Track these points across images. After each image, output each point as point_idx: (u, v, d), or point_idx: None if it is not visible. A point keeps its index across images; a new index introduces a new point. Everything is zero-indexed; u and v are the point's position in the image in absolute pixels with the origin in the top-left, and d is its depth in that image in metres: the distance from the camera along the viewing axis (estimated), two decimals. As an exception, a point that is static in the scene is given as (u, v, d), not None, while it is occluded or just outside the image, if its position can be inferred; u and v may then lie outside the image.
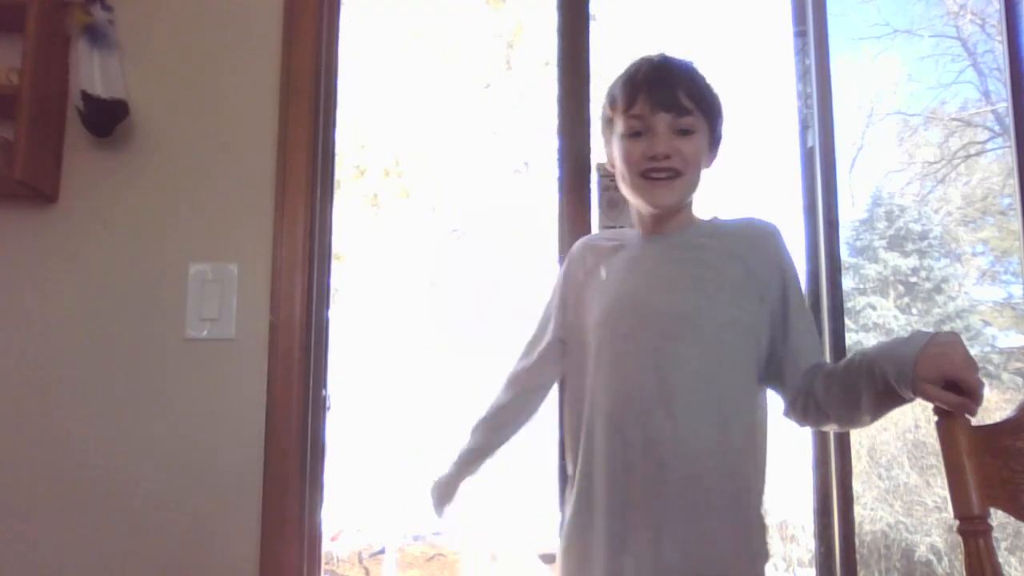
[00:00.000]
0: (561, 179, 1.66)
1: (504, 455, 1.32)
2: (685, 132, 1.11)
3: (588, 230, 1.63)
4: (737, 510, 1.07)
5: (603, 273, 1.20)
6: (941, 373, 0.90)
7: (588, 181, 1.66)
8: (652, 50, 1.21)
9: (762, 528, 1.10)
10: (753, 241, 1.15)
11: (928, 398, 0.92)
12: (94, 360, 1.49)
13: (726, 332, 1.09)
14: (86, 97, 1.46)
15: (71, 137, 1.53)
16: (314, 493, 1.51)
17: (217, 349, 1.49)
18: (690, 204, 1.19)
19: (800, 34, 1.78)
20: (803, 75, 1.75)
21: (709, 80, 1.17)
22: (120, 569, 1.43)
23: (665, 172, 1.11)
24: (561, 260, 1.62)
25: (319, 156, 1.58)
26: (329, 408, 1.58)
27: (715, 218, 1.20)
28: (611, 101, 1.18)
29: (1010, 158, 1.78)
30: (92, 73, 1.46)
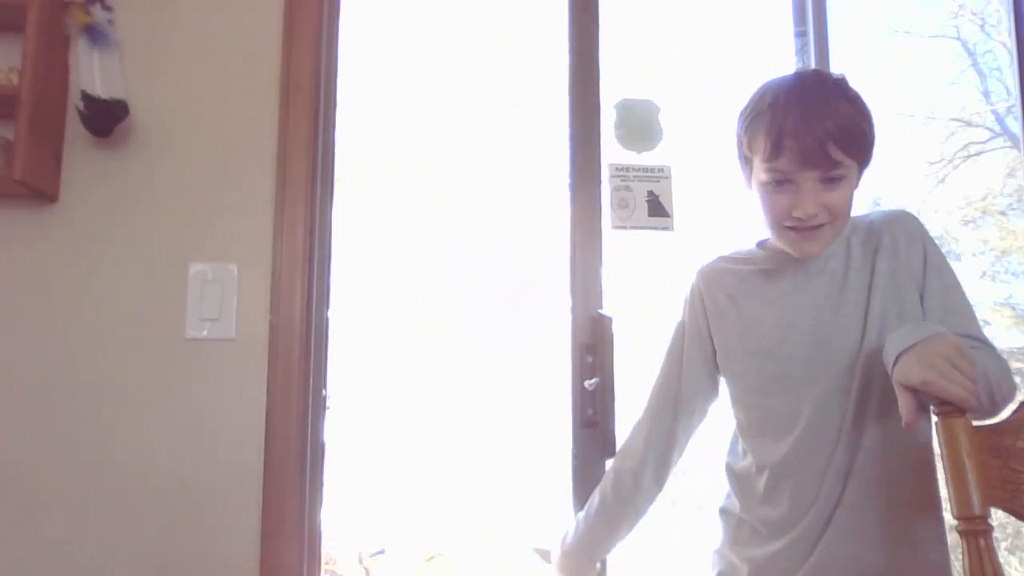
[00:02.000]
0: (572, 180, 1.65)
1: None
2: (833, 180, 1.03)
3: (599, 231, 1.62)
4: (928, 519, 1.07)
5: (750, 303, 1.16)
6: (905, 382, 0.91)
7: (599, 182, 1.65)
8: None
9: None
10: (895, 230, 1.11)
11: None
12: (94, 360, 1.49)
13: (892, 329, 1.04)
14: (86, 97, 1.46)
15: (71, 137, 1.53)
16: (314, 493, 1.51)
17: (217, 349, 1.49)
18: None
19: (800, 34, 1.78)
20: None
21: (860, 107, 1.07)
22: (120, 569, 1.43)
23: (811, 226, 1.06)
24: (573, 260, 1.61)
25: (319, 156, 1.58)
26: (329, 408, 1.58)
27: (850, 218, 1.14)
28: (748, 141, 1.10)
29: (1011, 158, 1.78)
30: (92, 73, 1.46)
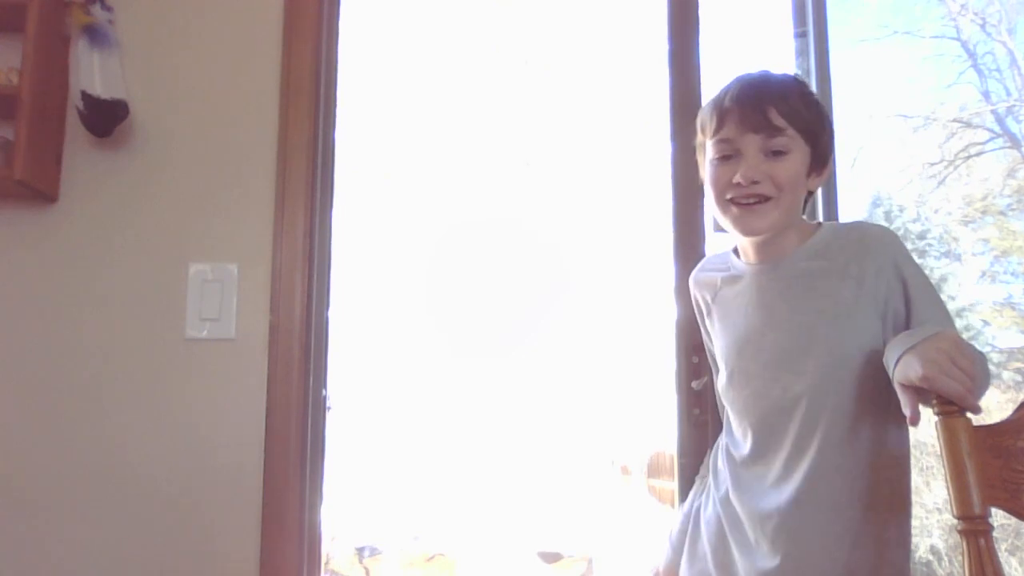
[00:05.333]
0: (674, 186, 1.62)
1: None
2: (778, 153, 1.05)
3: (700, 237, 1.59)
4: (873, 538, 1.04)
5: (720, 307, 1.19)
6: (905, 380, 0.91)
7: (701, 188, 1.63)
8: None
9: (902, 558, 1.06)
10: (862, 254, 1.06)
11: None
12: (94, 360, 1.49)
13: (851, 358, 1.03)
14: (86, 97, 1.46)
15: (71, 137, 1.53)
16: (314, 493, 1.51)
17: (217, 349, 1.49)
18: (796, 223, 1.12)
19: (800, 35, 1.78)
20: (803, 77, 1.76)
21: (811, 96, 1.10)
22: (120, 568, 1.43)
23: (753, 198, 1.06)
24: (677, 263, 1.58)
25: (319, 156, 1.58)
26: (329, 408, 1.58)
27: (821, 227, 1.13)
28: (701, 126, 1.14)
29: (1011, 158, 1.78)
30: (92, 73, 1.46)
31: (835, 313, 1.05)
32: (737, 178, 1.05)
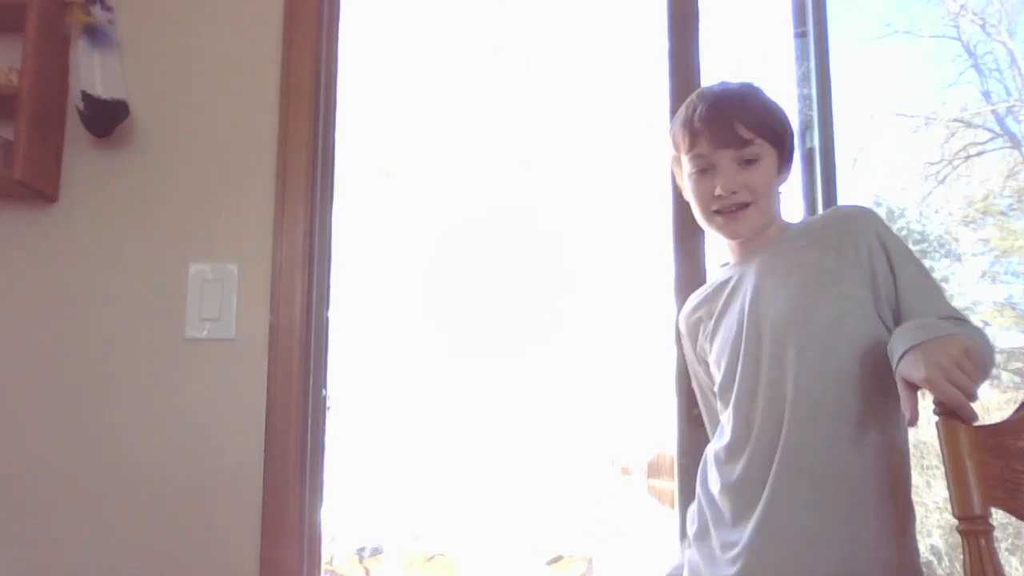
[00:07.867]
0: (674, 185, 1.63)
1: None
2: (750, 162, 1.14)
3: (699, 236, 1.59)
4: (874, 512, 1.03)
5: (718, 312, 1.22)
6: (908, 378, 0.91)
7: None
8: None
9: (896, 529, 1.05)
10: (841, 227, 1.12)
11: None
12: (94, 360, 1.49)
13: (841, 324, 1.06)
14: (86, 97, 1.46)
15: (71, 137, 1.53)
16: (314, 493, 1.51)
17: (217, 349, 1.49)
18: (776, 217, 1.21)
19: (800, 35, 1.78)
20: (803, 77, 1.75)
21: (769, 101, 1.18)
22: (121, 569, 1.43)
23: (735, 206, 1.15)
24: (677, 259, 1.59)
25: (319, 156, 1.58)
26: (329, 408, 1.58)
27: (804, 218, 1.22)
28: (674, 142, 1.22)
29: (1011, 158, 1.78)
30: (92, 73, 1.46)
31: (820, 282, 1.09)
32: (718, 191, 1.14)
